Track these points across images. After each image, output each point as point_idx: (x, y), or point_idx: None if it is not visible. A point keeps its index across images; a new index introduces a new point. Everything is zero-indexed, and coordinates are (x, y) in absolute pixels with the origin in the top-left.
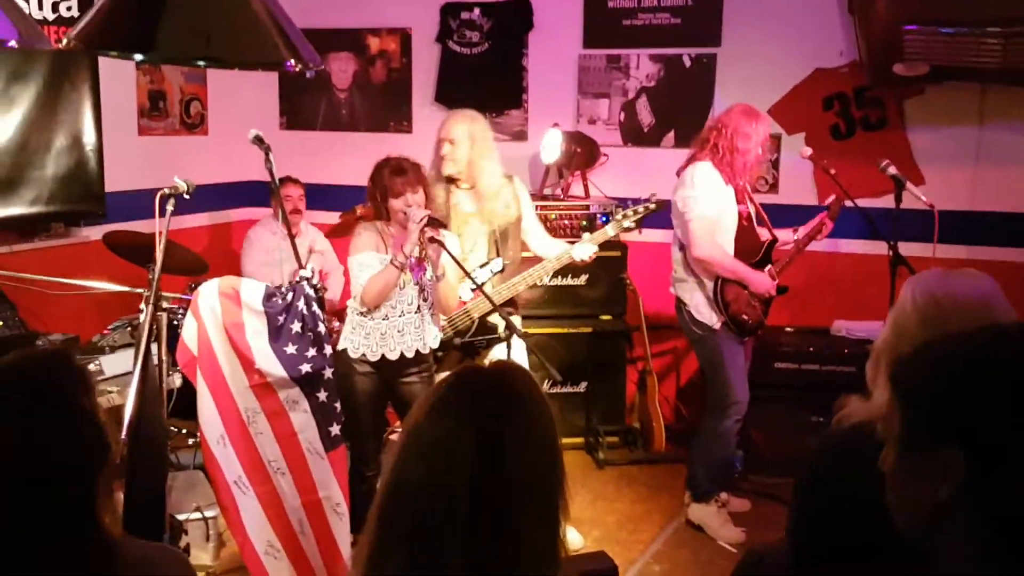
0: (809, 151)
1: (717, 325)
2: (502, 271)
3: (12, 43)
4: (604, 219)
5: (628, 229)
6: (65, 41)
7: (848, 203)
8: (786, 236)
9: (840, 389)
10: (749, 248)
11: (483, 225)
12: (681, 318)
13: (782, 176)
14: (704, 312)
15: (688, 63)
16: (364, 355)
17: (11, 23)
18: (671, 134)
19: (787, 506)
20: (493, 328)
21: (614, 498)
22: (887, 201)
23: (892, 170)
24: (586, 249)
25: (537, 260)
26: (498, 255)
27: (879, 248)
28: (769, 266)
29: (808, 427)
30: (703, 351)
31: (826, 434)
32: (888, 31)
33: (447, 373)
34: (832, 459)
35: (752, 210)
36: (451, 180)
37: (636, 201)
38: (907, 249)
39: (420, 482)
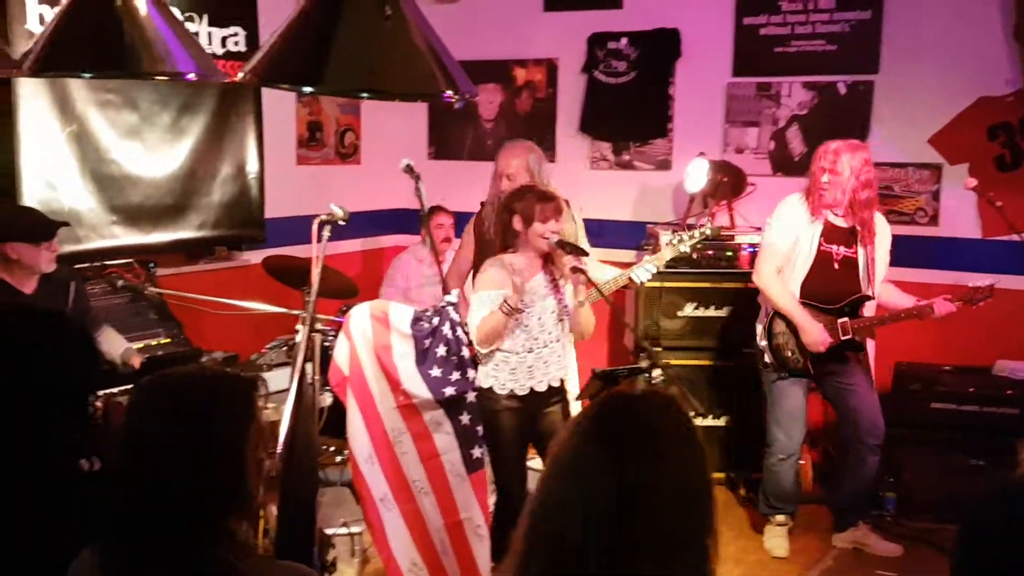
0: (974, 182)
1: (767, 358)
2: None
3: (191, 76)
4: (750, 249)
5: (684, 253)
6: (240, 75)
7: (1016, 237)
8: (905, 301)
9: (1001, 432)
10: (830, 294)
11: None
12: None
13: (943, 208)
14: (759, 341)
15: (843, 91)
16: (512, 391)
17: (190, 57)
18: None
19: (941, 551)
20: None
21: (756, 536)
22: None
23: None
24: (646, 271)
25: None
26: None
27: None
28: (844, 319)
29: (965, 471)
30: (764, 382)
31: (997, 479)
32: None
33: (594, 400)
34: (1003, 506)
35: (862, 258)
36: None
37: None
38: None
39: (562, 504)
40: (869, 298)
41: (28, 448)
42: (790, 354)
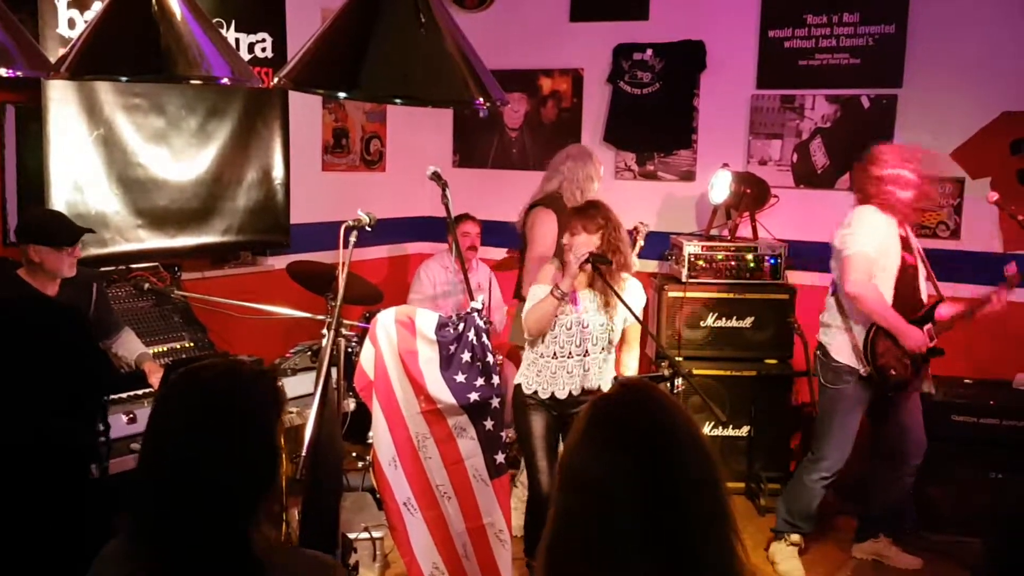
0: (995, 196)
1: (862, 371)
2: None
3: (225, 80)
4: (772, 261)
5: None
6: (275, 80)
7: None
8: (948, 310)
9: (1021, 446)
10: (911, 302)
11: None
12: (817, 362)
13: (965, 222)
14: (845, 357)
15: (867, 104)
16: (536, 392)
17: (225, 61)
18: (846, 176)
19: (960, 565)
20: None
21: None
22: None
23: None
24: None
25: None
26: None
27: None
28: (929, 325)
29: (985, 484)
30: (824, 398)
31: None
32: None
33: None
34: None
35: (920, 264)
36: None
37: (804, 244)
38: None
39: (586, 514)
40: (942, 300)
41: (38, 447)
42: (893, 372)
